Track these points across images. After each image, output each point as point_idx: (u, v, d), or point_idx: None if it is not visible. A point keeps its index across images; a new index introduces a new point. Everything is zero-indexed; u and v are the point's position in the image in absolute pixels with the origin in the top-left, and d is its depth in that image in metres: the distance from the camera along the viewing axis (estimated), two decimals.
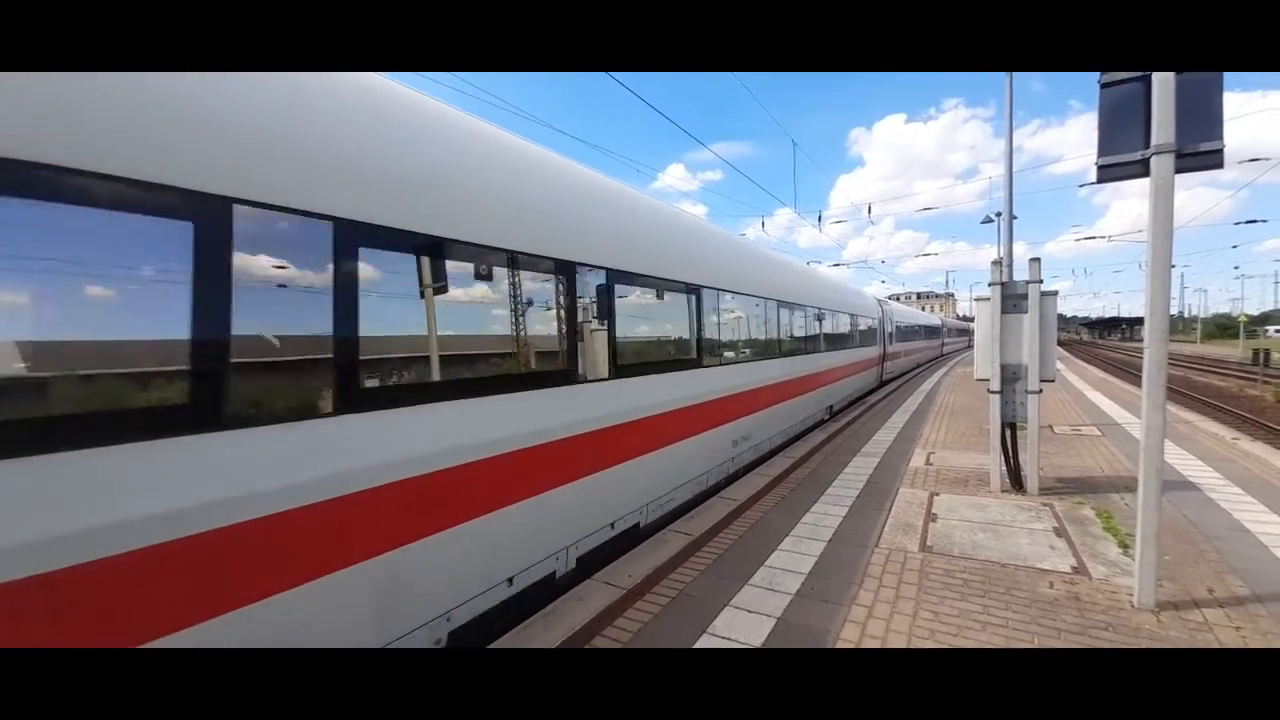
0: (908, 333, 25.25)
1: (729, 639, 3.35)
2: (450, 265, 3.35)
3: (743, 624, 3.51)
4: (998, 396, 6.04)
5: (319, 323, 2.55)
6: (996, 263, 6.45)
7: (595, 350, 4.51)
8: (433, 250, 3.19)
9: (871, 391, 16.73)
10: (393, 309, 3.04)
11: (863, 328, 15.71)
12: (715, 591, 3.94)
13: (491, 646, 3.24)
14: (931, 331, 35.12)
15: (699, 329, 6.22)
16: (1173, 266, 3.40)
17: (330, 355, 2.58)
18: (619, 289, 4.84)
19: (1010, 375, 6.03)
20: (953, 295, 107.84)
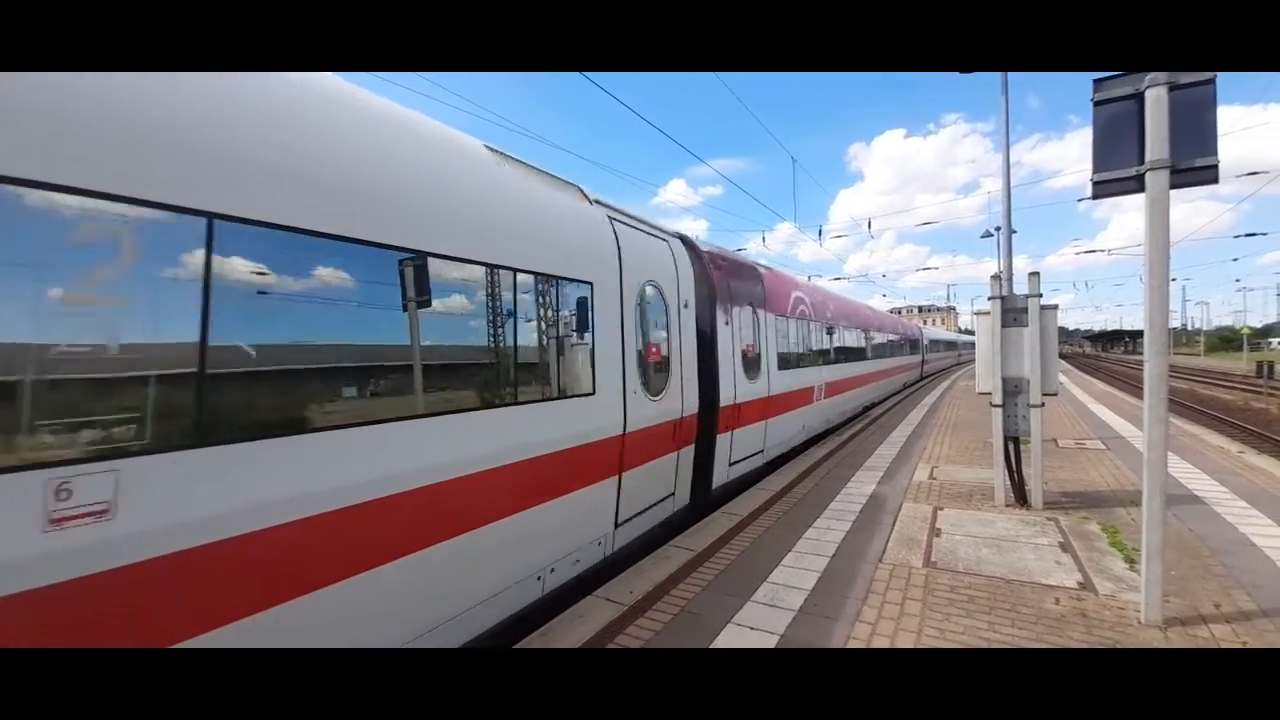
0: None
1: None
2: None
3: (745, 642, 3.48)
4: (1000, 410, 6.03)
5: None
6: (996, 277, 6.47)
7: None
8: None
9: None
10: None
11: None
12: (718, 608, 3.91)
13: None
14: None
15: None
16: (1173, 280, 3.42)
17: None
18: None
19: (1012, 389, 6.02)
20: (954, 308, 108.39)
